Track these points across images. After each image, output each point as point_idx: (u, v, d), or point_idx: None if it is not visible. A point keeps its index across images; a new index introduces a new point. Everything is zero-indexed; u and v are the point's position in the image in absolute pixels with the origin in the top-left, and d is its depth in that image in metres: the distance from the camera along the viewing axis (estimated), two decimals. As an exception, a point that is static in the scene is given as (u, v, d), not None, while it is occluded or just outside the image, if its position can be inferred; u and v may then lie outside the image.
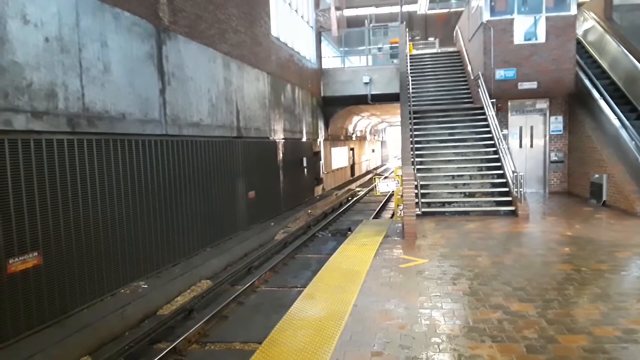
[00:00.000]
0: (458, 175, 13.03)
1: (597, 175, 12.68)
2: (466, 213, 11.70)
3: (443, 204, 12.14)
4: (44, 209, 6.56)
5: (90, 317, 6.95)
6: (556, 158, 15.38)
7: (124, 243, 8.24)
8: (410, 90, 16.58)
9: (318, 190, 22.19)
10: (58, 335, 6.33)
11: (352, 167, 32.46)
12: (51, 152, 6.70)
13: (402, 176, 10.03)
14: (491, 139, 13.67)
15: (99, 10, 7.74)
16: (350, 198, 23.57)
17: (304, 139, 19.86)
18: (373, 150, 44.52)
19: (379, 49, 28.37)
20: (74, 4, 7.19)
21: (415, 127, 14.63)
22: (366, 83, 21.77)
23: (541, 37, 14.78)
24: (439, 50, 27.32)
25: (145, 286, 8.42)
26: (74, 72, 7.17)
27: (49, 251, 6.62)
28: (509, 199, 11.73)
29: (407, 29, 21.40)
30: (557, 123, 15.33)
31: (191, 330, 7.03)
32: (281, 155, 16.66)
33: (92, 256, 7.44)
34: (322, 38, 23.61)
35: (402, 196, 10.04)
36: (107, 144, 7.85)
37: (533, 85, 14.95)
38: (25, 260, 6.23)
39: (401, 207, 10.55)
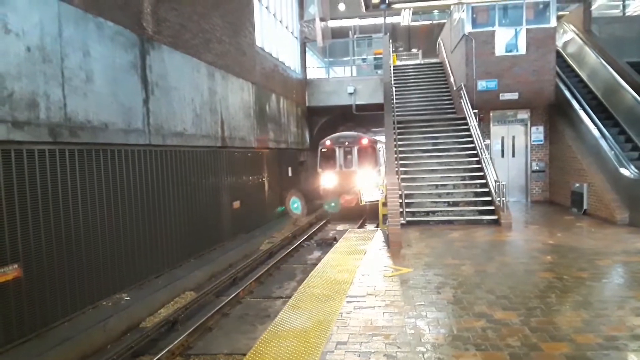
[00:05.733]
0: (442, 185, 13.13)
1: (577, 185, 12.88)
2: (450, 222, 11.79)
3: (427, 213, 12.22)
4: (25, 221, 6.45)
5: (71, 330, 6.83)
6: (537, 167, 15.61)
7: (106, 255, 8.13)
8: (394, 101, 16.71)
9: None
10: (38, 349, 6.21)
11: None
12: (32, 162, 6.61)
13: (386, 186, 10.08)
14: (474, 148, 13.82)
15: (82, 19, 7.70)
16: (335, 208, 23.55)
17: (289, 149, 19.86)
18: None
19: (363, 60, 28.64)
20: (56, 14, 7.14)
21: (399, 137, 14.74)
22: (351, 93, 21.92)
23: (522, 49, 15.06)
24: (422, 62, 27.64)
25: (128, 298, 8.31)
26: (56, 81, 7.11)
27: (30, 263, 6.50)
28: (492, 208, 11.85)
29: (390, 41, 21.61)
30: (538, 133, 15.58)
31: (175, 343, 6.93)
32: (266, 165, 16.64)
33: (74, 268, 7.33)
34: (306, 49, 23.74)
35: (385, 205, 10.08)
36: (90, 154, 7.76)
37: (514, 96, 15.19)
38: (4, 272, 6.11)
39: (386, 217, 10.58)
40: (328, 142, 18.95)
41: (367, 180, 17.53)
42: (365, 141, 18.39)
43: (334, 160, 18.68)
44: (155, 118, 9.74)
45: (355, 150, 18.38)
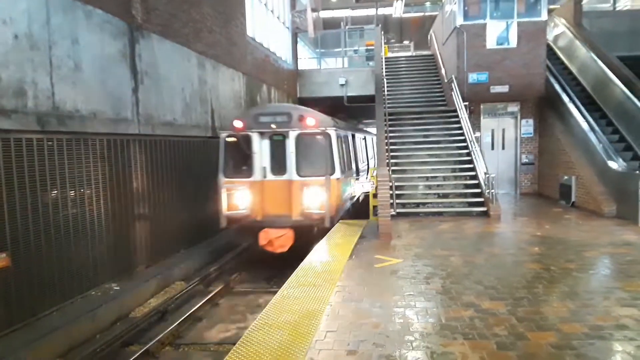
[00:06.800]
0: (432, 177, 13.18)
1: (566, 177, 12.99)
2: (440, 214, 11.84)
3: (417, 205, 12.26)
4: (13, 210, 6.40)
5: (60, 320, 6.81)
6: (527, 160, 15.72)
7: (95, 244, 8.09)
8: (386, 93, 16.71)
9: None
10: (27, 338, 6.19)
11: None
12: (20, 151, 6.55)
13: (377, 177, 10.10)
14: (464, 141, 13.86)
15: (70, 7, 7.60)
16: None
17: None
18: None
19: (355, 51, 28.51)
20: (44, 1, 7.04)
21: (390, 128, 14.74)
22: (342, 85, 21.83)
23: (513, 42, 15.08)
24: (414, 54, 27.64)
25: (117, 288, 8.29)
26: (44, 70, 7.02)
27: (18, 253, 6.46)
28: (481, 199, 11.92)
29: (382, 32, 21.56)
30: (527, 126, 15.68)
31: (164, 332, 6.94)
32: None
33: (62, 258, 7.29)
34: (298, 39, 23.61)
35: (376, 196, 10.11)
36: (78, 143, 7.70)
37: (505, 88, 15.24)
38: (-8, 262, 6.07)
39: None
40: (239, 124, 10.49)
41: (315, 198, 10.22)
42: (311, 121, 10.28)
43: (249, 158, 10.49)
44: (144, 107, 9.67)
45: (291, 139, 10.33)
